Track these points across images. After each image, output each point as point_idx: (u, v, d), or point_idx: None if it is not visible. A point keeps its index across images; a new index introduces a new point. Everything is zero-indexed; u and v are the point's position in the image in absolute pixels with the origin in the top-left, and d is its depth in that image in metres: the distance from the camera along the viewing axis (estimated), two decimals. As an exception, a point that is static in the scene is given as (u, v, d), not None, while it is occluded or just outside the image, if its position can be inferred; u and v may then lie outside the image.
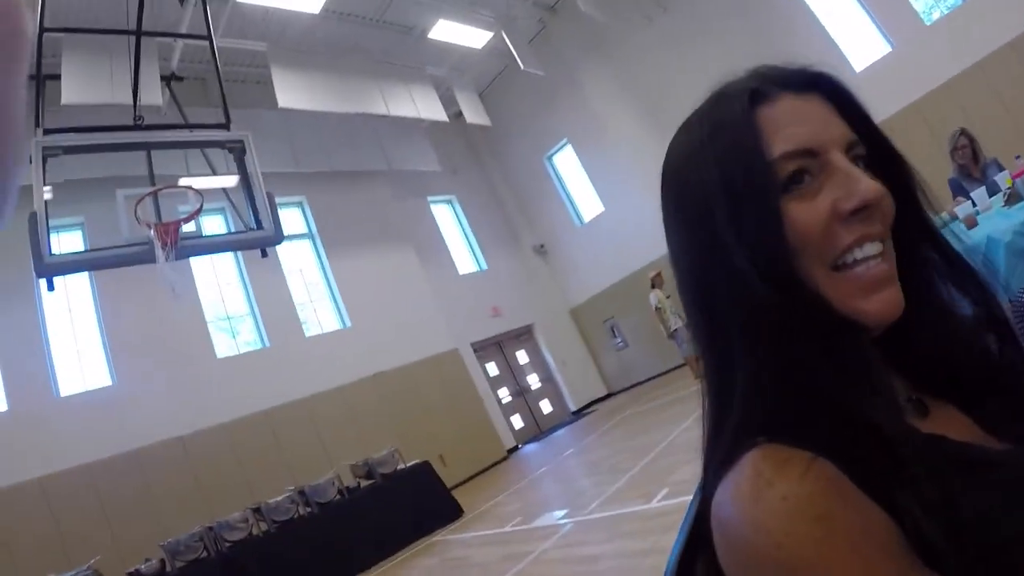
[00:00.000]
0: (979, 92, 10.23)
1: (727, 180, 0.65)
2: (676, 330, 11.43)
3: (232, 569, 7.59)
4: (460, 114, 14.52)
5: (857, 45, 11.80)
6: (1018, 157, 4.52)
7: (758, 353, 0.64)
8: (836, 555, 0.52)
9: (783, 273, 0.63)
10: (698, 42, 13.47)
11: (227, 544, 7.84)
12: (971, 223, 3.92)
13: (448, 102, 14.11)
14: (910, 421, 0.64)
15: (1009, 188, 4.26)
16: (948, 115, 9.84)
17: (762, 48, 12.21)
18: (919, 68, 10.75)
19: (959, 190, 5.52)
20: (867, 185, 0.63)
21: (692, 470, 5.65)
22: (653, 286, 11.67)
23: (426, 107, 13.18)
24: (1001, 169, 5.26)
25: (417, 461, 9.67)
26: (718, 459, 0.64)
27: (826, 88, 0.70)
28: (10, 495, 8.79)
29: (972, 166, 5.59)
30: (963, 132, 5.65)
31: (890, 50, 11.40)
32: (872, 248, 0.65)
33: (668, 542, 3.24)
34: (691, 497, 0.78)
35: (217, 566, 7.59)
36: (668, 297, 11.63)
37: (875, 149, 0.71)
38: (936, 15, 11.04)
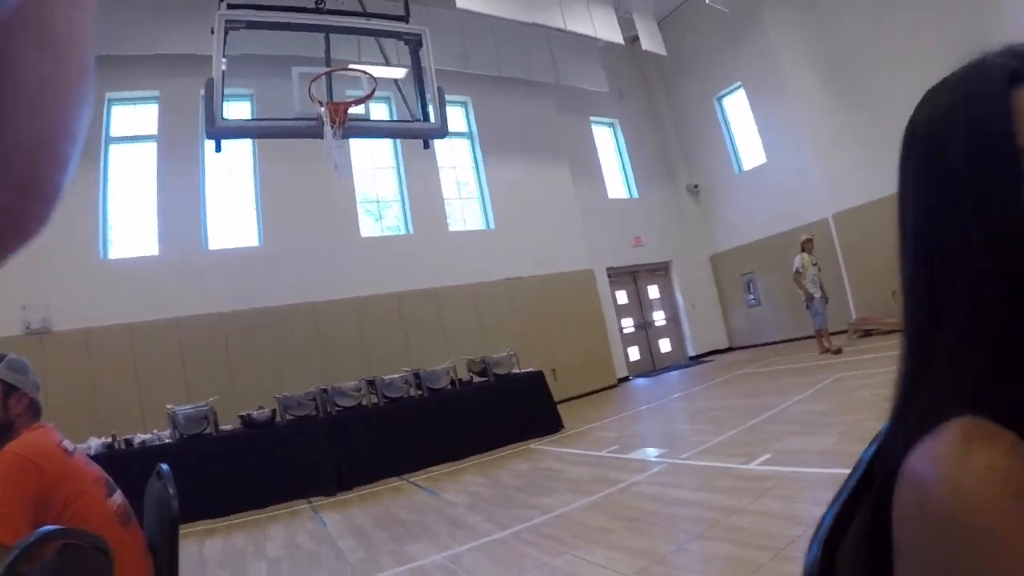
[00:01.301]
0: None
1: (974, 156, 0.64)
2: (814, 299, 11.13)
3: (336, 430, 8.17)
4: (636, 39, 14.17)
5: None
6: None
7: (976, 325, 0.63)
8: None
9: (1020, 257, 0.61)
10: (907, 12, 12.48)
11: (337, 408, 8.43)
12: None
13: (625, 25, 13.77)
14: None
15: None
16: None
17: (975, 33, 11.22)
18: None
19: None
20: None
21: (800, 443, 5.63)
22: (803, 250, 11.32)
23: (603, 26, 12.95)
24: None
25: (532, 369, 9.99)
26: (914, 420, 0.64)
27: None
28: (147, 329, 9.70)
29: None
30: None
31: None
32: None
33: (760, 507, 3.43)
34: (856, 461, 0.79)
35: (323, 425, 8.18)
36: (815, 264, 11.31)
37: None
38: None
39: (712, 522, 4.14)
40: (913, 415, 0.66)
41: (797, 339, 14.92)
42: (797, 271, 11.23)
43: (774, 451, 5.57)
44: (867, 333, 12.67)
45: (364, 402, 8.70)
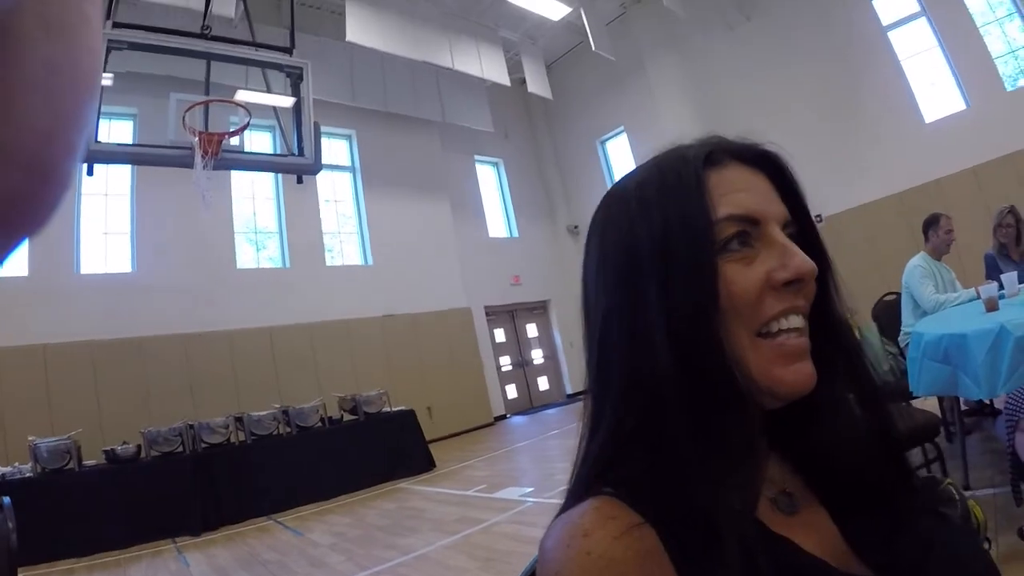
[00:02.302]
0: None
1: (667, 234, 0.65)
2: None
3: (202, 468, 7.90)
4: (523, 81, 14.49)
5: (932, 95, 11.54)
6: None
7: (631, 408, 0.65)
8: None
9: (707, 333, 0.62)
10: (774, 59, 13.45)
11: (203, 445, 8.15)
12: (991, 306, 3.73)
13: (513, 67, 14.13)
14: (769, 515, 0.65)
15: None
16: (1007, 188, 9.42)
17: (836, 79, 12.32)
18: (990, 133, 10.40)
19: (992, 269, 5.29)
20: (802, 259, 0.65)
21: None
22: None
23: (491, 68, 13.21)
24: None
25: (403, 408, 9.91)
26: (570, 492, 0.67)
27: (772, 167, 0.73)
28: (11, 355, 9.07)
29: (1012, 247, 5.23)
30: (1011, 211, 5.26)
31: (964, 108, 11.10)
32: (796, 321, 0.65)
33: None
34: None
35: (189, 462, 7.90)
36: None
37: (803, 236, 0.72)
38: (1022, 83, 10.77)
39: (568, 562, 4.22)
40: (573, 486, 0.69)
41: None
42: None
43: (638, 491, 5.72)
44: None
45: (232, 439, 8.48)
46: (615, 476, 0.63)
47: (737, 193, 0.67)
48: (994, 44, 10.91)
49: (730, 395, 0.62)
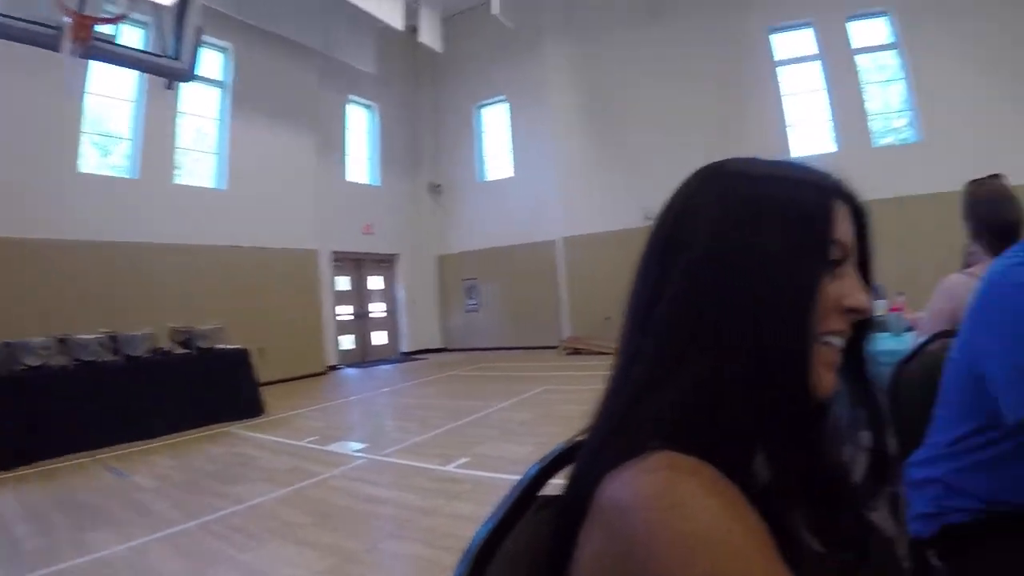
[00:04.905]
0: (895, 223, 10.47)
1: (795, 232, 0.72)
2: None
3: (16, 391, 7.04)
4: (415, 30, 14.07)
5: (805, 132, 12.56)
6: (900, 294, 4.69)
7: (725, 369, 0.68)
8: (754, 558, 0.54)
9: (811, 320, 0.70)
10: (669, 64, 13.96)
11: (20, 366, 7.24)
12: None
13: (410, 13, 13.62)
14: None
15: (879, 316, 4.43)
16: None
17: (720, 97, 13.15)
18: (850, 179, 11.25)
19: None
20: (868, 298, 0.75)
21: (498, 448, 6.02)
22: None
23: (386, 7, 12.69)
24: (879, 297, 5.51)
25: (238, 346, 9.41)
26: (619, 447, 0.64)
27: (858, 211, 0.81)
28: None
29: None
30: None
31: (834, 150, 12.14)
32: (839, 342, 0.75)
33: (452, 509, 3.81)
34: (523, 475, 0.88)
35: (3, 385, 7.01)
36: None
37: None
38: (885, 141, 12.00)
39: (403, 522, 4.25)
40: (615, 445, 0.66)
41: (511, 348, 15.98)
42: None
43: (473, 455, 5.85)
44: (576, 352, 13.83)
45: (52, 362, 7.53)
46: (687, 435, 0.64)
47: (843, 224, 0.76)
48: (872, 102, 12.14)
49: (807, 382, 0.71)
